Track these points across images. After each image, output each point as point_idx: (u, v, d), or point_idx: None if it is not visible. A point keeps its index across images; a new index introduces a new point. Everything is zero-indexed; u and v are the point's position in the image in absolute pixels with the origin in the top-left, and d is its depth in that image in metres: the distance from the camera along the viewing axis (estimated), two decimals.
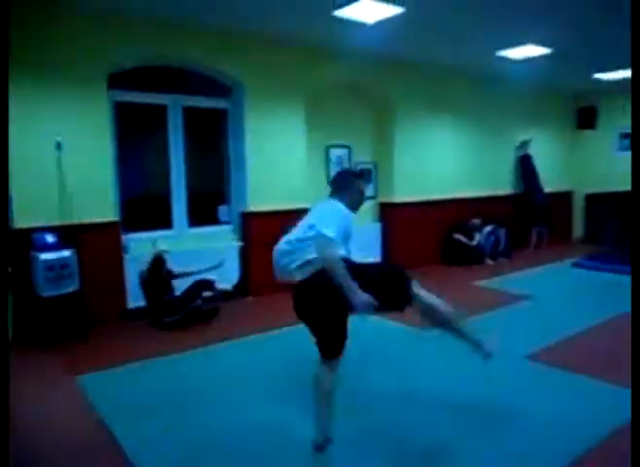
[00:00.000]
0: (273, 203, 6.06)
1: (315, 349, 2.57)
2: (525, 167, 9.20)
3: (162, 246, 5.01)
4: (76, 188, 4.69)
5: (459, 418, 2.98)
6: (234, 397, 3.36)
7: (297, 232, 2.78)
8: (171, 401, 3.31)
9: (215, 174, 6.24)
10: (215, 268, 5.18)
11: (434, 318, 2.73)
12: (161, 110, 5.60)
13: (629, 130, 9.58)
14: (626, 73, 8.11)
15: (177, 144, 5.70)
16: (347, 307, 2.44)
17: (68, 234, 4.54)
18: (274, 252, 2.76)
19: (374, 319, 4.56)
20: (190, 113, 5.78)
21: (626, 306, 5.31)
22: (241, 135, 5.91)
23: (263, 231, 6.01)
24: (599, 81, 8.67)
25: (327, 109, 6.87)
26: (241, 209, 6.05)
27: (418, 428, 2.90)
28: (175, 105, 5.65)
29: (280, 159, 6.13)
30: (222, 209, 6.14)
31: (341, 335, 2.55)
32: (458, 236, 7.94)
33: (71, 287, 4.38)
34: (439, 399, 3.26)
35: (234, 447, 2.76)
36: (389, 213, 7.48)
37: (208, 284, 5.21)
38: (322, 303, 2.51)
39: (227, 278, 5.71)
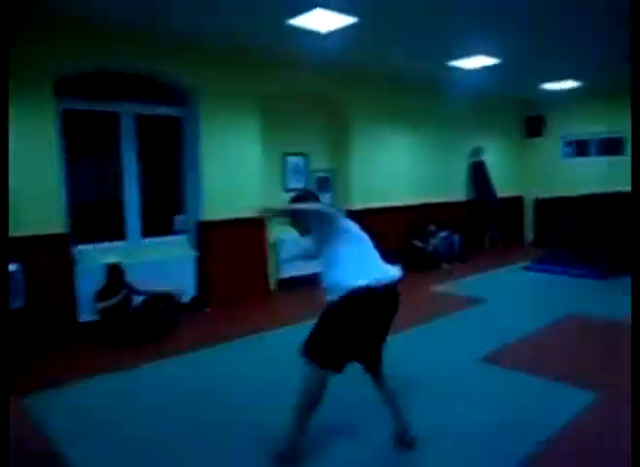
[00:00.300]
0: (230, 212, 6.00)
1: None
2: (478, 174, 9.47)
3: (115, 258, 4.87)
4: (21, 199, 4.50)
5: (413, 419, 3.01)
6: (188, 411, 3.29)
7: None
8: (123, 417, 3.21)
9: (170, 183, 6.13)
10: (175, 295, 5.13)
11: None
12: (113, 118, 5.46)
13: (573, 138, 10.03)
14: (570, 84, 8.50)
15: (130, 152, 5.57)
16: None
17: (13, 248, 4.34)
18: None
19: None
20: (143, 121, 5.67)
21: (573, 306, 5.58)
22: (196, 143, 5.83)
23: (220, 240, 5.96)
24: (545, 91, 9.04)
25: (283, 117, 6.88)
26: (197, 218, 5.96)
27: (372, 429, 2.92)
28: (128, 113, 5.53)
29: (236, 167, 6.08)
30: (177, 219, 6.03)
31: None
32: (416, 242, 8.07)
33: (16, 303, 4.19)
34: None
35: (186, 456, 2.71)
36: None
37: (165, 297, 5.12)
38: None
39: (183, 290, 5.62)
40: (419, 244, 8.06)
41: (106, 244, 5.38)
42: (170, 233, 5.97)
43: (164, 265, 5.52)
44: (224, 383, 3.72)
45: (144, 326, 4.74)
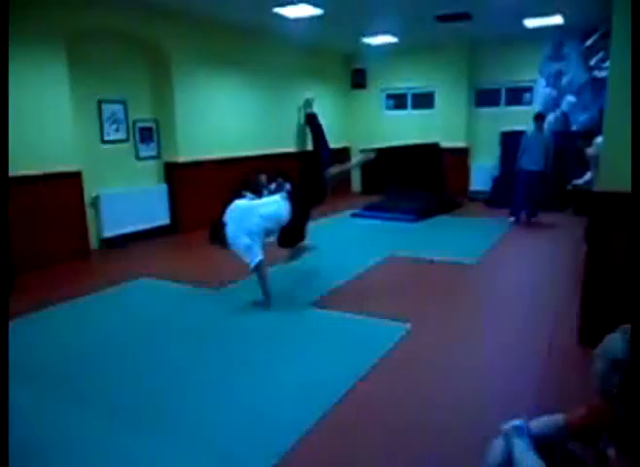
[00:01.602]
0: (33, 167, 5.28)
1: None
2: (312, 125, 9.62)
3: None
4: None
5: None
6: None
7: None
8: None
9: None
10: None
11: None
12: None
13: (393, 92, 10.70)
14: (388, 39, 8.95)
15: None
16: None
17: None
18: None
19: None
20: None
21: (393, 246, 6.08)
22: None
23: (24, 200, 5.24)
24: (367, 45, 9.42)
25: (97, 59, 6.16)
26: None
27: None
28: None
29: (38, 114, 5.31)
30: None
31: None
32: (245, 193, 8.01)
33: None
34: (219, 349, 3.29)
35: None
36: (174, 173, 7.16)
37: None
38: None
39: None
40: (250, 196, 8.03)
41: None
42: None
43: None
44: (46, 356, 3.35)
45: None
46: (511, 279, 5.01)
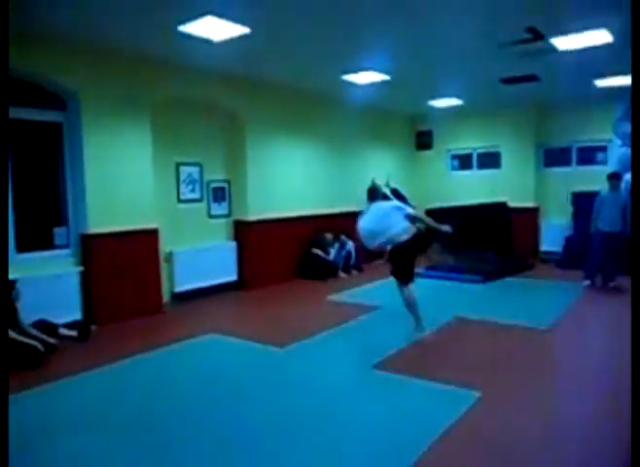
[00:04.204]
0: (118, 224, 5.68)
1: None
2: (397, 196, 9.72)
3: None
4: None
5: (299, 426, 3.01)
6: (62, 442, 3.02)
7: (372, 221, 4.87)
8: None
9: (50, 193, 5.67)
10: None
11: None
12: None
13: (458, 152, 10.74)
14: (454, 101, 9.11)
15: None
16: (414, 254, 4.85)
17: None
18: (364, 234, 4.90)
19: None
20: (19, 126, 5.19)
21: (457, 310, 5.91)
22: (79, 150, 5.45)
23: (107, 254, 5.61)
24: (433, 107, 9.62)
25: (176, 125, 6.67)
26: (81, 231, 5.56)
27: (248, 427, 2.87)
28: None
29: (123, 176, 5.76)
30: (58, 231, 5.57)
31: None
32: (316, 251, 8.18)
33: None
34: (287, 407, 3.27)
35: None
36: (244, 231, 7.44)
37: (51, 328, 4.76)
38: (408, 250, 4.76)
39: (65, 312, 5.22)
40: (320, 253, 8.18)
41: None
42: (51, 247, 5.50)
43: (44, 282, 5.09)
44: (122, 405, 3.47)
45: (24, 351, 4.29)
46: (586, 348, 4.69)
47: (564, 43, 5.54)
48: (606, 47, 5.63)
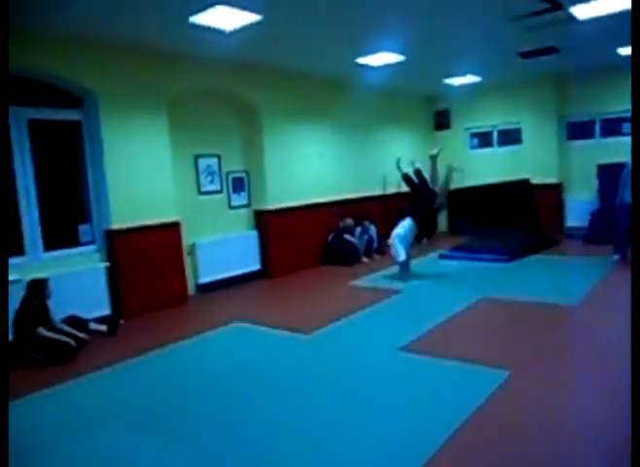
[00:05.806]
0: (140, 219, 5.74)
1: None
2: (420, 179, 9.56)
3: (14, 276, 4.50)
4: None
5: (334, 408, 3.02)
6: (95, 434, 3.09)
7: None
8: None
9: (73, 191, 5.75)
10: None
11: None
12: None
13: (477, 130, 10.54)
14: (471, 78, 8.91)
15: (24, 161, 5.14)
16: None
17: None
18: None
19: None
20: (38, 126, 5.26)
21: (484, 291, 5.84)
22: (99, 147, 5.51)
23: (131, 249, 5.68)
24: (449, 85, 9.42)
25: (193, 118, 6.67)
26: (105, 227, 5.64)
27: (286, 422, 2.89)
28: (19, 118, 5.10)
29: (143, 170, 5.81)
30: (82, 228, 5.66)
31: None
32: (347, 237, 8.21)
33: None
34: (316, 391, 3.28)
35: None
36: (264, 220, 7.45)
37: (82, 324, 4.85)
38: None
39: (94, 307, 5.32)
40: (350, 238, 8.21)
41: None
42: (76, 244, 5.60)
43: (72, 279, 5.19)
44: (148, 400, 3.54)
45: (56, 348, 4.40)
46: (617, 324, 4.57)
47: (584, 11, 5.35)
48: (630, 12, 5.42)
